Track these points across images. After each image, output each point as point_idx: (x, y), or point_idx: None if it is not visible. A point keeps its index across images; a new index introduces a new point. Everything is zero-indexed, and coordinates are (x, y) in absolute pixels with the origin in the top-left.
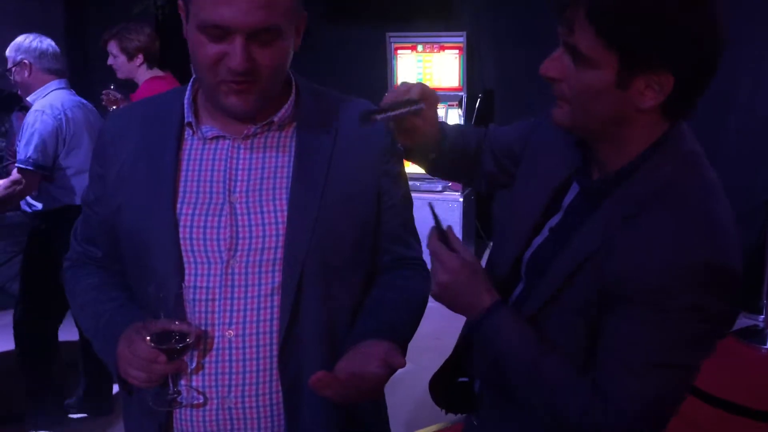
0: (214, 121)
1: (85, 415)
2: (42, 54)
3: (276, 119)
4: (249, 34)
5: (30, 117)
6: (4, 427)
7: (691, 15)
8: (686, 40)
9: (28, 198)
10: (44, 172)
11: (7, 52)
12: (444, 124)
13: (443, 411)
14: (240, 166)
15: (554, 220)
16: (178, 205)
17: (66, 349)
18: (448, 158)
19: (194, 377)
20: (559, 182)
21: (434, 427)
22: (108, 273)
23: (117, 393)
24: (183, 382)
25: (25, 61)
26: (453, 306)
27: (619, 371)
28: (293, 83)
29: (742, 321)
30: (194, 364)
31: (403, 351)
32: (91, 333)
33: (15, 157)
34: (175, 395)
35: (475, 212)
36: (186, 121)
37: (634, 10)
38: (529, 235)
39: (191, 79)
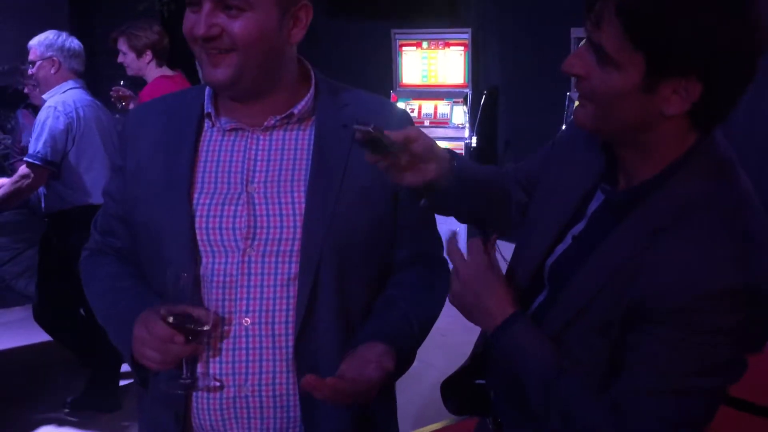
0: (233, 113)
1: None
2: (73, 54)
3: (296, 111)
4: (215, 2)
5: (42, 113)
6: (7, 417)
7: (728, 22)
8: (719, 48)
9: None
10: (52, 168)
11: (34, 46)
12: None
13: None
14: (258, 157)
15: (578, 228)
16: (195, 196)
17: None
18: (472, 197)
19: (210, 365)
20: (584, 190)
21: (441, 424)
22: (126, 263)
23: (123, 388)
24: (199, 368)
25: (55, 58)
26: (468, 315)
27: (638, 391)
28: (312, 77)
29: None
30: (210, 351)
31: (411, 351)
32: (105, 320)
33: (21, 153)
34: (189, 380)
35: None
36: (206, 111)
37: (667, 10)
38: (551, 242)
39: None
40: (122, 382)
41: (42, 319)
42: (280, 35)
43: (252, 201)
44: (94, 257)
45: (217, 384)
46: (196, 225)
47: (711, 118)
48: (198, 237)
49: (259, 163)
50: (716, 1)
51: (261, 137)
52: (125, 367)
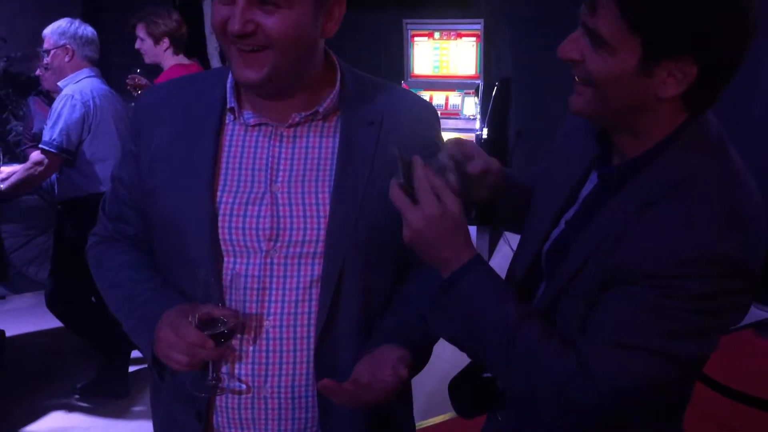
0: (256, 108)
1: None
2: (86, 42)
3: (321, 109)
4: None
5: (59, 101)
6: (18, 403)
7: (723, 3)
8: (715, 29)
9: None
10: (66, 156)
11: (48, 35)
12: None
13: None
14: (282, 155)
15: (570, 213)
16: (219, 193)
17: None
18: (515, 208)
19: (231, 365)
20: (577, 176)
21: (449, 415)
22: (140, 252)
23: (133, 375)
24: (224, 369)
25: (68, 46)
26: (426, 256)
27: (608, 348)
28: (338, 70)
29: (759, 313)
30: (241, 353)
31: (427, 349)
32: (121, 312)
33: (33, 140)
34: (215, 381)
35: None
36: (228, 106)
37: None
38: (547, 229)
39: None
40: (131, 369)
41: (54, 307)
42: (315, 31)
43: (276, 201)
44: (104, 244)
45: (243, 386)
46: (219, 224)
47: (705, 99)
48: (220, 236)
49: (283, 162)
50: None
51: (285, 133)
52: (135, 354)
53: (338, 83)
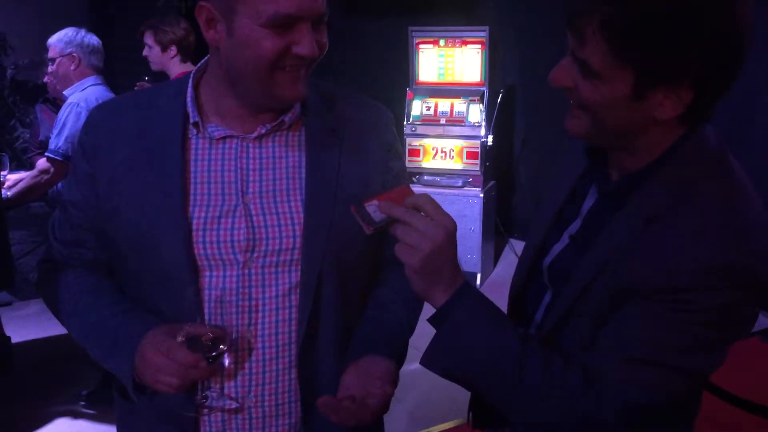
0: (221, 120)
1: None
2: (93, 50)
3: (287, 119)
4: (313, 21)
5: (64, 109)
6: (24, 410)
7: (714, 28)
8: (708, 54)
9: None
10: None
11: (53, 43)
12: None
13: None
14: (251, 166)
15: (574, 227)
16: (190, 208)
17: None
18: None
19: (213, 378)
20: (569, 191)
21: (439, 427)
22: (100, 276)
23: None
24: (213, 385)
25: (75, 54)
26: (423, 285)
27: (621, 364)
28: None
29: (766, 321)
30: (227, 369)
31: (404, 350)
32: (89, 339)
33: (39, 148)
34: (203, 399)
35: (496, 208)
36: (192, 120)
37: (651, 25)
38: (543, 241)
39: (190, 75)
40: None
41: None
42: None
43: (249, 213)
44: (60, 271)
45: (231, 403)
46: (194, 239)
47: (702, 113)
48: (196, 252)
49: (252, 173)
50: (703, 10)
51: (251, 145)
52: None
53: None
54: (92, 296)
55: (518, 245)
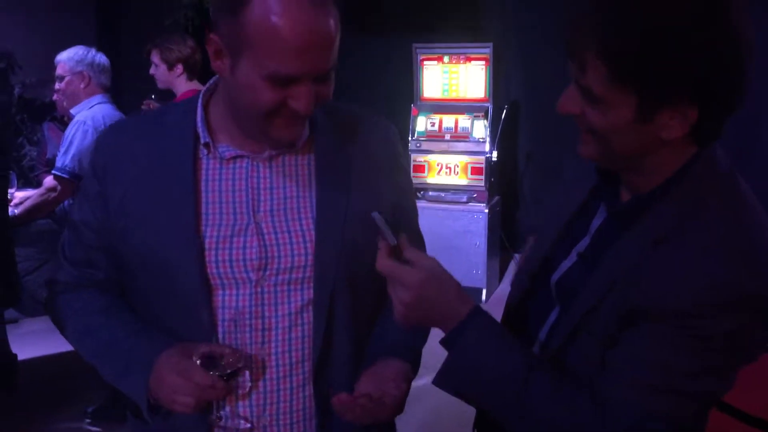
0: (231, 141)
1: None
2: (102, 69)
3: (298, 143)
4: (315, 78)
5: (71, 127)
6: (29, 426)
7: (713, 47)
8: (710, 73)
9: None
10: (79, 181)
11: (63, 60)
12: None
13: None
14: (262, 186)
15: (582, 245)
16: (202, 228)
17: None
18: None
19: (228, 397)
20: (581, 204)
21: None
22: (111, 295)
23: None
24: (227, 405)
25: (85, 73)
26: (426, 323)
27: (625, 383)
28: None
29: None
30: (242, 388)
31: (417, 360)
32: (101, 359)
33: (46, 166)
34: (218, 420)
35: (501, 223)
36: (203, 141)
37: (650, 49)
38: (548, 256)
39: (199, 96)
40: None
41: None
42: None
43: (261, 231)
44: (70, 292)
45: (248, 426)
46: (206, 258)
47: (711, 131)
48: (209, 270)
49: (263, 192)
50: (698, 28)
51: (261, 165)
52: None
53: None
54: (104, 317)
55: None
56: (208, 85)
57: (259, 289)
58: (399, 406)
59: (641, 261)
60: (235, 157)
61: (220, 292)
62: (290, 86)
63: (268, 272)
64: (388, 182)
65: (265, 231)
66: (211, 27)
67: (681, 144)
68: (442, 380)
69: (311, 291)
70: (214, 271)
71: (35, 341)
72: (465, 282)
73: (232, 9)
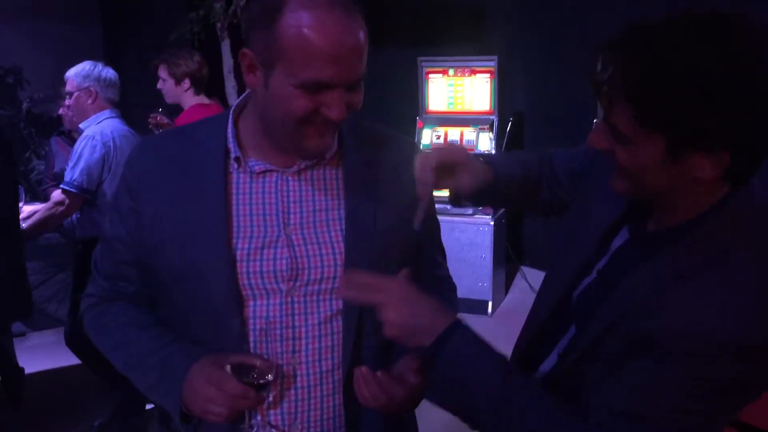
0: (261, 155)
1: None
2: (109, 84)
3: (327, 156)
4: (347, 86)
5: (80, 142)
6: None
7: (741, 91)
8: (741, 119)
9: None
10: (87, 196)
11: (71, 77)
12: (494, 161)
13: None
14: (291, 199)
15: (602, 263)
16: (234, 240)
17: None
18: (503, 191)
19: (262, 409)
20: (608, 226)
21: None
22: (141, 308)
23: (149, 413)
24: (258, 415)
25: (92, 88)
26: (412, 339)
27: (615, 409)
28: None
29: None
30: (273, 397)
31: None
32: (135, 371)
33: (54, 180)
34: (250, 429)
35: (506, 236)
36: (234, 156)
37: (678, 92)
38: (575, 275)
39: (230, 112)
40: (149, 406)
41: (73, 344)
42: None
43: (291, 243)
44: (103, 305)
45: None
46: (238, 270)
47: (745, 174)
48: (240, 282)
49: (293, 205)
50: (728, 74)
51: (291, 179)
52: None
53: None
54: (135, 329)
55: (529, 272)
56: (238, 101)
57: (289, 300)
58: (415, 395)
59: (658, 294)
60: (264, 171)
61: (252, 302)
62: (323, 94)
63: (298, 283)
64: (413, 196)
65: (295, 243)
66: (244, 42)
67: (714, 184)
68: (430, 393)
69: (340, 301)
70: (246, 282)
71: (42, 355)
72: (471, 294)
73: (265, 22)
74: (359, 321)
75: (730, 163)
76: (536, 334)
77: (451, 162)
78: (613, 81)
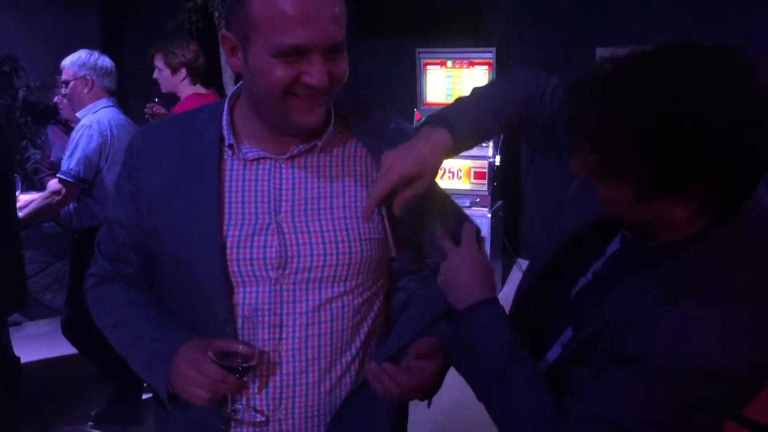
0: (255, 142)
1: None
2: (105, 73)
3: (319, 143)
4: (325, 51)
5: (77, 131)
6: (32, 430)
7: (710, 146)
8: (706, 170)
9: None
10: (84, 185)
11: (67, 66)
12: (455, 124)
13: None
14: (284, 186)
15: (598, 265)
16: (225, 227)
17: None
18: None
19: (246, 394)
20: (602, 230)
21: None
22: (140, 290)
23: (147, 402)
24: (242, 399)
25: (88, 77)
26: (454, 292)
27: (591, 413)
28: (331, 106)
29: None
30: (257, 383)
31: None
32: (129, 351)
33: (50, 169)
34: (233, 413)
35: (503, 228)
36: (228, 143)
37: (636, 144)
38: (565, 268)
39: (226, 99)
40: (145, 396)
41: (70, 334)
42: None
43: (281, 231)
44: (104, 285)
45: (259, 417)
46: (228, 256)
47: (728, 207)
48: (230, 268)
49: (285, 192)
50: (674, 130)
51: (284, 165)
52: None
53: (333, 117)
54: (132, 310)
55: (525, 265)
56: (234, 89)
57: (277, 287)
58: (429, 380)
59: (644, 312)
60: (258, 159)
61: (241, 289)
62: (301, 61)
63: (287, 271)
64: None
65: (285, 231)
66: (225, 26)
67: (693, 218)
68: (450, 353)
69: (329, 290)
70: (235, 269)
71: (38, 344)
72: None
73: None
74: (346, 310)
75: (699, 207)
76: (536, 327)
77: (414, 175)
78: (579, 122)
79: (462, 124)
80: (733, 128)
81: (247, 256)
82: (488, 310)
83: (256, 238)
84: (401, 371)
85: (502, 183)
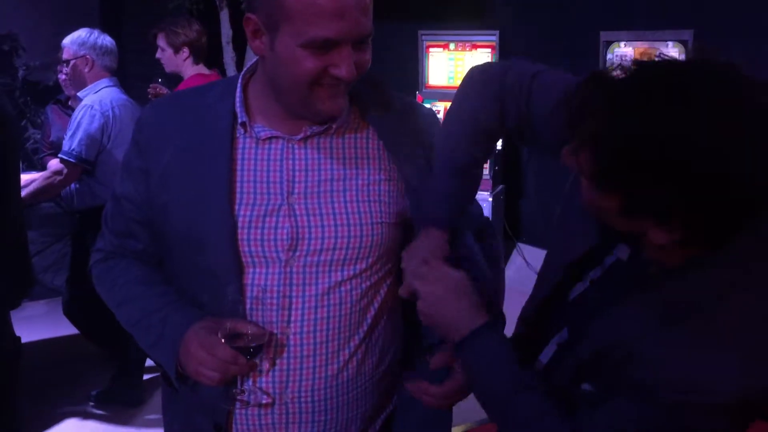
0: (267, 121)
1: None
2: (106, 52)
3: (335, 126)
4: (354, 43)
5: (78, 111)
6: (33, 410)
7: (675, 172)
8: (695, 205)
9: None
10: (86, 166)
11: (67, 45)
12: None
13: None
14: (297, 167)
15: (596, 273)
16: (236, 206)
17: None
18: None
19: (254, 376)
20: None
21: (461, 428)
22: (148, 266)
23: (147, 382)
24: (250, 381)
25: (88, 56)
26: (436, 321)
27: None
28: None
29: None
30: (265, 365)
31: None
32: (137, 327)
33: (50, 148)
34: (242, 394)
35: (504, 212)
36: (240, 121)
37: (621, 159)
38: (559, 279)
39: (239, 76)
40: (146, 376)
41: (71, 314)
42: None
43: (293, 213)
44: (110, 260)
45: (266, 398)
46: (239, 236)
47: (717, 239)
48: (240, 248)
49: (298, 174)
50: (666, 147)
51: (296, 146)
52: (149, 362)
53: (348, 101)
54: (141, 287)
55: (526, 249)
56: (248, 66)
57: (288, 269)
58: (457, 390)
59: (644, 336)
60: (270, 138)
61: (251, 269)
62: (330, 53)
63: (298, 253)
64: (423, 170)
65: (297, 212)
66: (246, 8)
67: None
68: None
69: (338, 273)
70: (246, 249)
71: (38, 324)
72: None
73: None
74: (357, 294)
75: (682, 236)
76: (534, 323)
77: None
78: (575, 140)
79: (440, 213)
80: (719, 175)
81: (258, 236)
82: (483, 341)
83: (267, 219)
84: (434, 387)
85: (503, 167)
